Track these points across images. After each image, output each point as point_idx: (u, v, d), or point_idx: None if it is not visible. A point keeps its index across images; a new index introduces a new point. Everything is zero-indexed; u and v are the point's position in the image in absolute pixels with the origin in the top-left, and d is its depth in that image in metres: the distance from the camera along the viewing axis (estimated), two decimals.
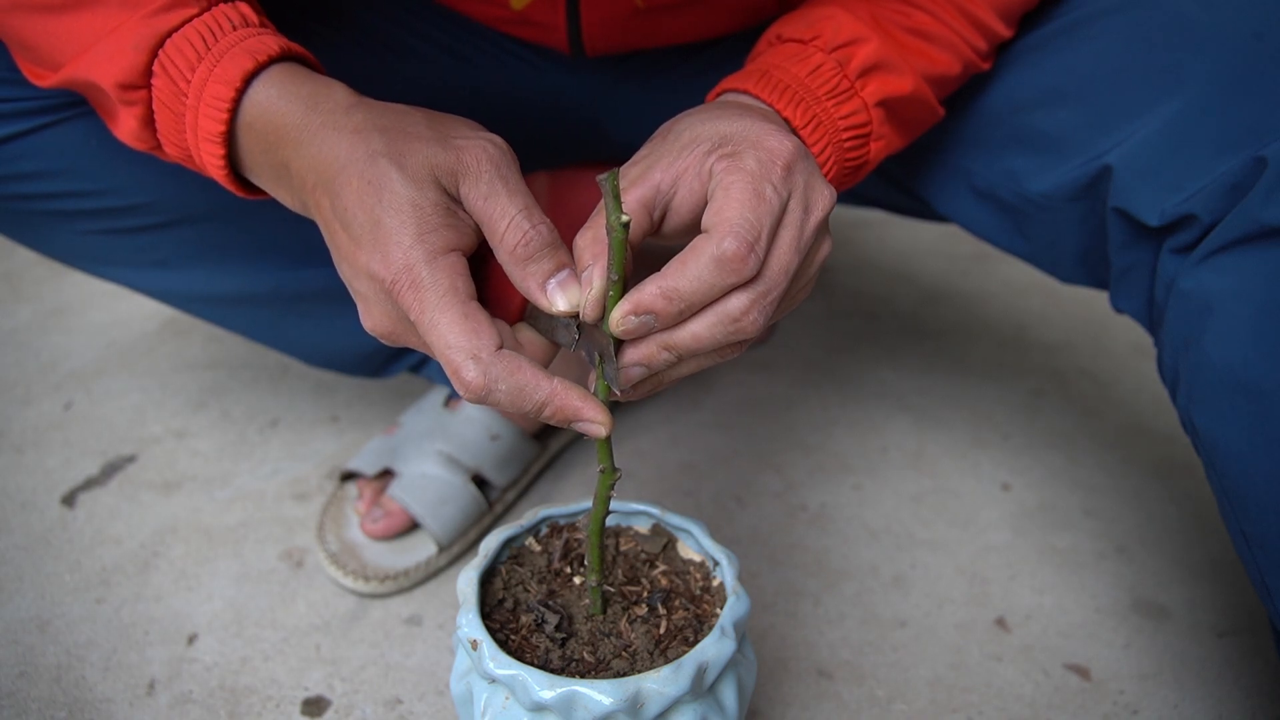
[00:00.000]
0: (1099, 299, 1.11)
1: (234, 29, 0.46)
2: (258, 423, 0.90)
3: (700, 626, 0.50)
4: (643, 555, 0.54)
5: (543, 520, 0.56)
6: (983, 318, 1.12)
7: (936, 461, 0.87)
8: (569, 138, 0.83)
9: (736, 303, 0.41)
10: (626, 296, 0.41)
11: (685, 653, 0.47)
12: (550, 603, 0.51)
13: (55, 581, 0.72)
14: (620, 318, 0.41)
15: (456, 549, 0.75)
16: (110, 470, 0.84)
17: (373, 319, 0.44)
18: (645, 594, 0.52)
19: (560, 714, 0.45)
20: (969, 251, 1.25)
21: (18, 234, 0.68)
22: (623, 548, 0.55)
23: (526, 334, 0.45)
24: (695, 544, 0.55)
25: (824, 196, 0.44)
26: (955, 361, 1.02)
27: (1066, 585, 0.73)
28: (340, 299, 0.73)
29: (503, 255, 0.42)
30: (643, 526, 0.56)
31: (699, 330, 0.41)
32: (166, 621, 0.68)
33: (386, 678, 0.64)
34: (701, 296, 0.41)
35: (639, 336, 0.42)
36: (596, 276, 0.42)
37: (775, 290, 0.42)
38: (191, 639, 0.67)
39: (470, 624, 0.48)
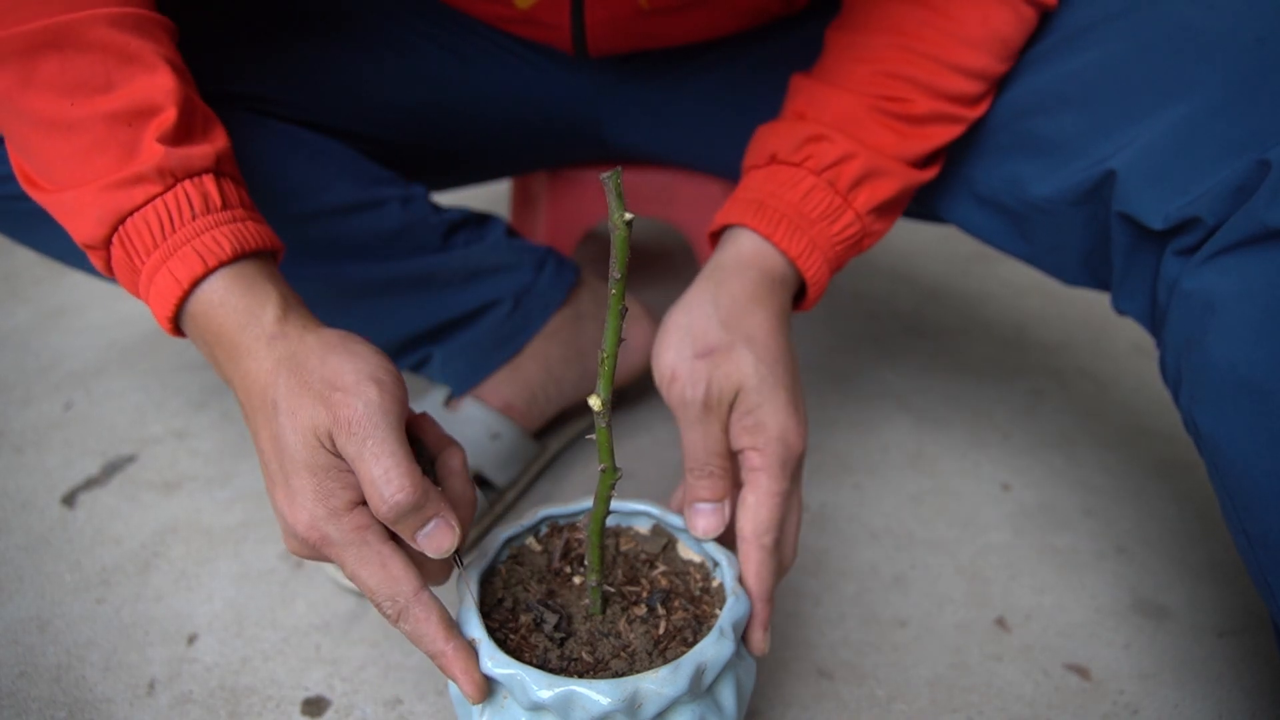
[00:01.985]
0: (1099, 299, 1.11)
1: (193, 217, 0.48)
2: None
3: (699, 627, 0.50)
4: (642, 555, 0.54)
5: (543, 520, 0.56)
6: (983, 318, 1.12)
7: (936, 461, 0.87)
8: (569, 137, 0.83)
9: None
10: (759, 625, 0.51)
11: (684, 653, 0.47)
12: (550, 602, 0.51)
13: (55, 581, 0.72)
14: (762, 641, 0.52)
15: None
16: (110, 470, 0.84)
17: (290, 546, 0.48)
18: (645, 594, 0.52)
19: (558, 714, 0.45)
20: (969, 251, 1.25)
21: (17, 234, 0.68)
22: (623, 548, 0.55)
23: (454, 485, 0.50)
24: (695, 544, 0.55)
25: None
26: (955, 361, 1.02)
27: (1066, 585, 0.73)
28: (337, 299, 0.73)
29: (374, 513, 0.45)
30: (643, 527, 0.56)
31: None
32: (166, 621, 0.68)
33: (386, 678, 0.64)
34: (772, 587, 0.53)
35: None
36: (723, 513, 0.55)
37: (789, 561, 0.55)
38: (191, 639, 0.67)
39: (469, 623, 0.48)
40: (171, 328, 0.50)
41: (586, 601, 0.51)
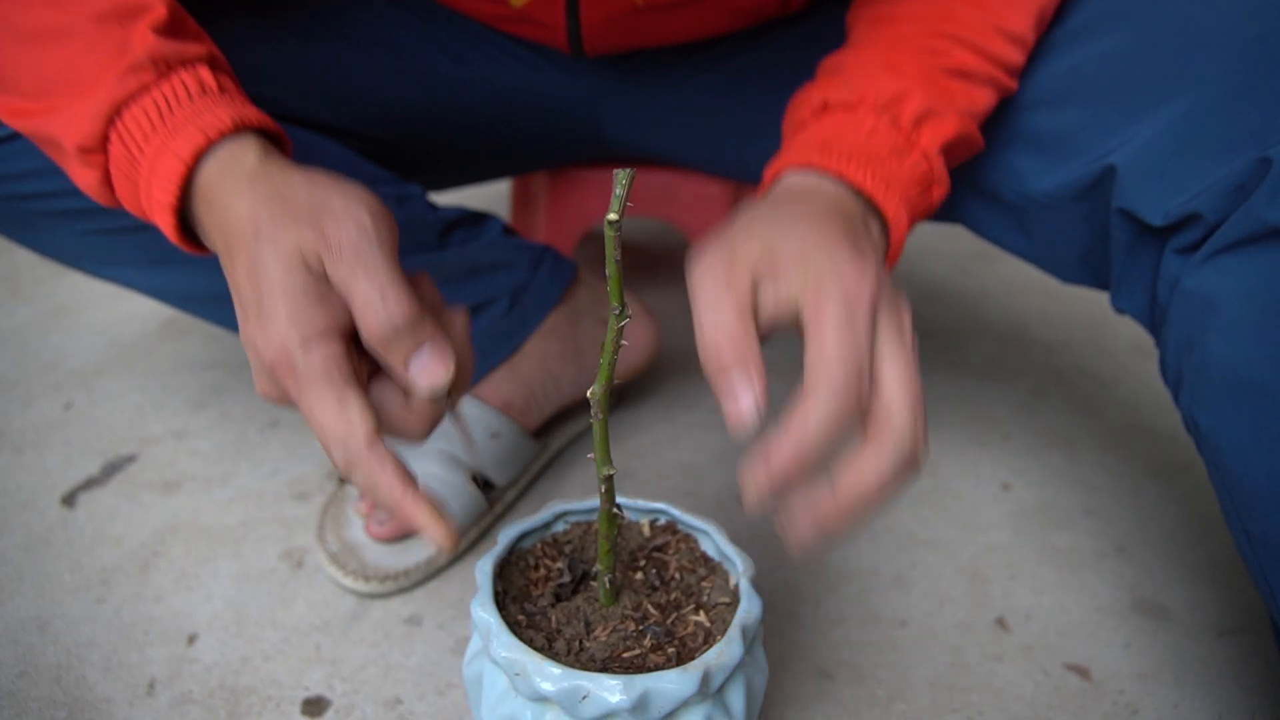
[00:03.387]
0: (1099, 299, 1.11)
1: (190, 100, 0.47)
2: (258, 423, 0.90)
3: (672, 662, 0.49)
4: (715, 603, 0.52)
5: (558, 515, 0.56)
6: (983, 318, 1.12)
7: (936, 461, 0.87)
8: (567, 136, 0.83)
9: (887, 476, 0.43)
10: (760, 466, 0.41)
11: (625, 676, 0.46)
12: (585, 565, 0.52)
13: (55, 581, 0.72)
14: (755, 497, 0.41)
15: (457, 548, 0.75)
16: (110, 470, 0.84)
17: (260, 386, 0.45)
18: (652, 624, 0.51)
19: (561, 703, 0.45)
20: (969, 251, 1.25)
21: (17, 234, 0.68)
22: (704, 582, 0.54)
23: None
24: (713, 547, 0.55)
25: (902, 305, 0.45)
26: (955, 361, 1.02)
27: (1066, 585, 0.73)
28: None
29: (364, 338, 0.43)
30: (734, 575, 0.54)
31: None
32: (166, 621, 0.68)
33: (386, 678, 0.64)
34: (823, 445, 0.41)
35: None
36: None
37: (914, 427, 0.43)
38: (191, 639, 0.67)
39: (484, 602, 0.49)
40: (175, 223, 0.48)
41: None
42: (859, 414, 0.42)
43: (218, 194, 0.46)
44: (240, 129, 0.47)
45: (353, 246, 0.43)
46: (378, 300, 0.42)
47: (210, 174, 0.46)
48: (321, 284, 0.43)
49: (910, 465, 0.42)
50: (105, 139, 0.47)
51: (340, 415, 0.42)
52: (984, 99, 0.57)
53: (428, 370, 0.44)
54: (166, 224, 0.48)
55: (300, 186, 0.45)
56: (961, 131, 0.55)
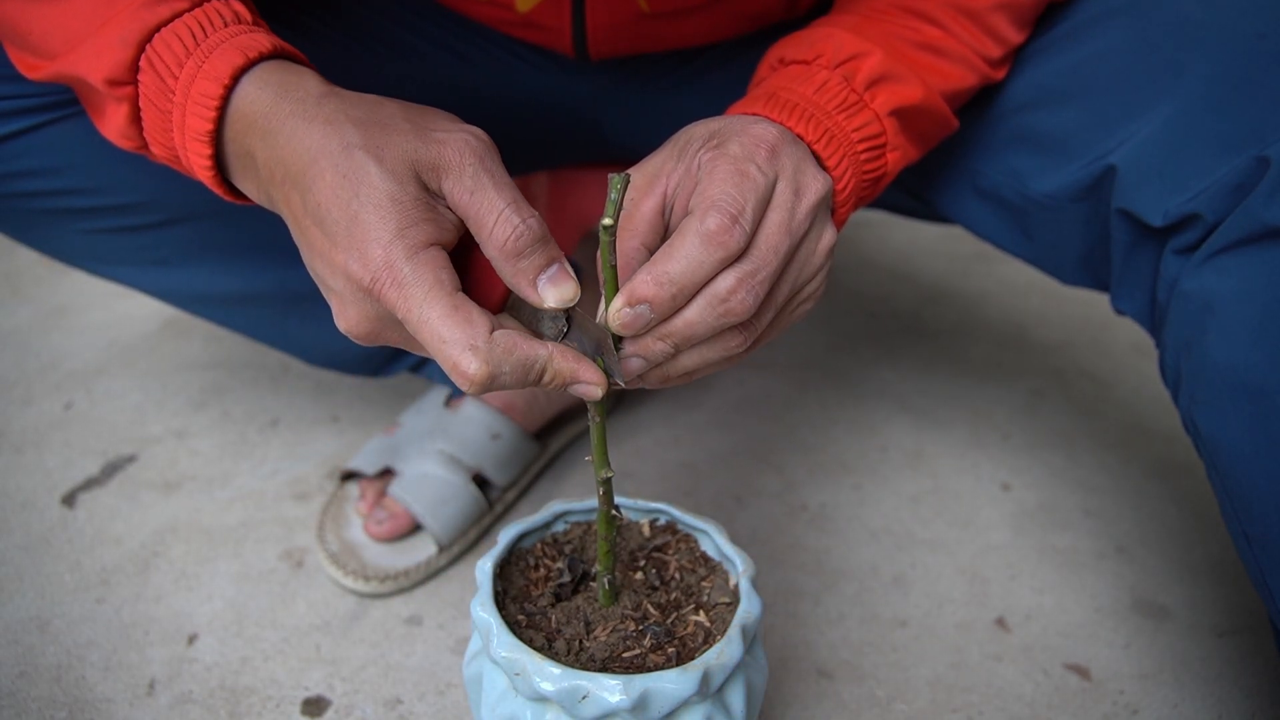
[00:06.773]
0: (1099, 299, 1.11)
1: (225, 25, 0.45)
2: (258, 423, 0.90)
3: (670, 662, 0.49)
4: (713, 602, 0.52)
5: (558, 515, 0.56)
6: (983, 318, 1.12)
7: (936, 461, 0.87)
8: (569, 138, 0.83)
9: (724, 282, 0.42)
10: (621, 289, 0.41)
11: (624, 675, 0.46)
12: (584, 564, 0.52)
13: (55, 581, 0.72)
14: (616, 311, 0.41)
15: (457, 549, 0.75)
16: (110, 470, 0.84)
17: (348, 319, 0.43)
18: (652, 623, 0.51)
19: (561, 703, 0.45)
20: (969, 251, 1.25)
21: (19, 233, 0.68)
22: (704, 582, 0.54)
23: (509, 324, 0.44)
24: (712, 546, 0.55)
25: (816, 181, 0.46)
26: (955, 361, 1.02)
27: (1066, 585, 0.73)
28: None
29: (492, 251, 0.41)
30: (734, 575, 0.54)
31: (690, 315, 0.42)
32: (166, 621, 0.68)
33: (386, 678, 0.64)
34: (691, 277, 0.41)
35: (639, 331, 0.42)
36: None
37: (764, 270, 0.42)
38: (191, 639, 0.67)
39: (483, 600, 0.49)
40: (211, 153, 0.45)
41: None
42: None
43: (278, 119, 0.43)
44: (281, 55, 0.45)
45: (477, 159, 0.41)
46: (511, 212, 0.40)
47: (262, 99, 0.43)
48: (433, 199, 0.41)
49: (720, 249, 0.41)
50: (135, 68, 0.45)
51: (458, 318, 0.39)
52: (958, 77, 0.56)
53: (559, 285, 0.41)
54: (201, 156, 0.45)
55: (389, 106, 0.42)
56: (924, 101, 0.54)
